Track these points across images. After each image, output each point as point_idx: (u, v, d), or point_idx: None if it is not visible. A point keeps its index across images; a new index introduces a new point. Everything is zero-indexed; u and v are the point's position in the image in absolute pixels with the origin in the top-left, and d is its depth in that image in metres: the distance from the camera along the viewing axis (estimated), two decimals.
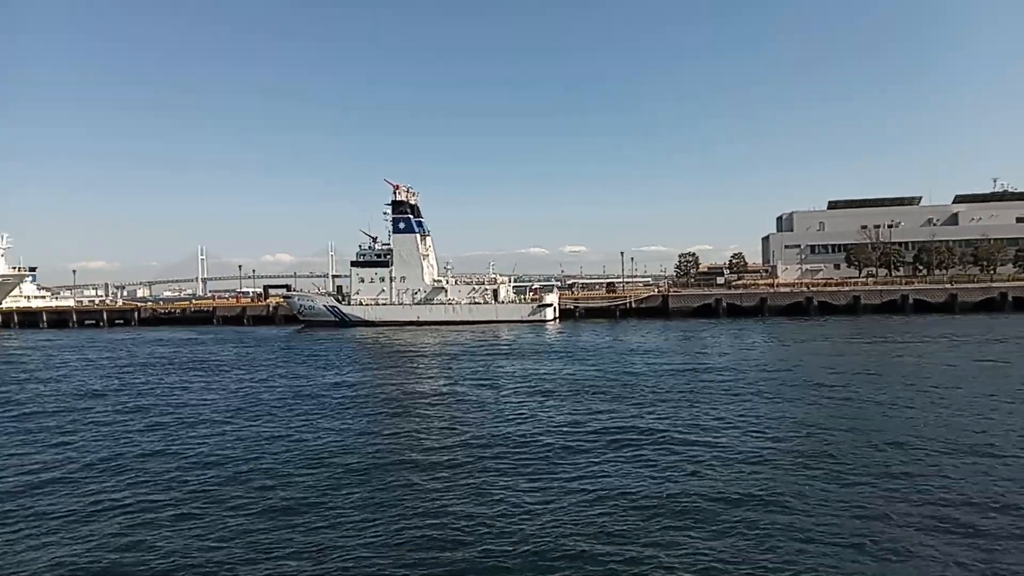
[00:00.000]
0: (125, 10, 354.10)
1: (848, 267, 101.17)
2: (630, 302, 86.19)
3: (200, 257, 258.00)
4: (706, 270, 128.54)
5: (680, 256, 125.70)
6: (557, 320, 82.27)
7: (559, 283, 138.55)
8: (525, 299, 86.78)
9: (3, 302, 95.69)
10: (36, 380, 39.19)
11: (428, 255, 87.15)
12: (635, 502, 15.22)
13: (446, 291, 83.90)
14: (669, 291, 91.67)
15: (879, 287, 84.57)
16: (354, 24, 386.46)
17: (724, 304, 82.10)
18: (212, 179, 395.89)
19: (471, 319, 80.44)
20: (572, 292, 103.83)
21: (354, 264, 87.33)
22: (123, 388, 35.20)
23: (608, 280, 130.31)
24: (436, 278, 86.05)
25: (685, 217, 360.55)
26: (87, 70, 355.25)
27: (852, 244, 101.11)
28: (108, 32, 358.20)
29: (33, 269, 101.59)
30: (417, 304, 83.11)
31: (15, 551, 13.47)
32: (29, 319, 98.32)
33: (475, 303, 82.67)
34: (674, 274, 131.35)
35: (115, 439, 23.03)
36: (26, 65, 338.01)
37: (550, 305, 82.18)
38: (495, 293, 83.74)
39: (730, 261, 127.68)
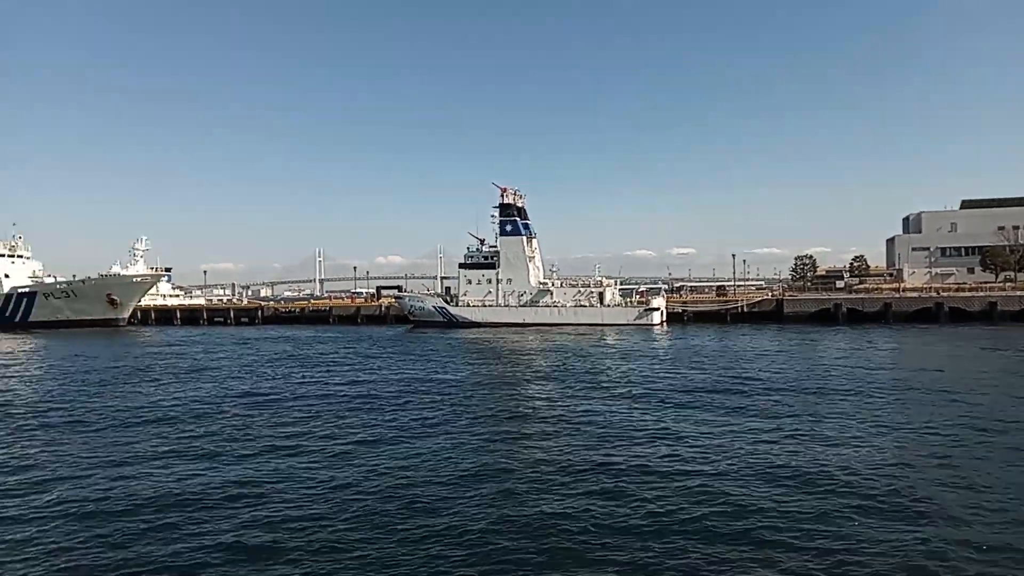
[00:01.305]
0: (250, 15, 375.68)
1: (983, 271, 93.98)
2: (742, 306, 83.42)
3: (318, 259, 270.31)
4: (824, 273, 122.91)
5: (796, 259, 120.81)
6: (664, 324, 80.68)
7: (666, 286, 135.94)
8: (631, 302, 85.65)
9: (142, 300, 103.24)
10: (192, 372, 42.01)
11: (534, 257, 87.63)
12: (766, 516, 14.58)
13: (551, 293, 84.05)
14: (784, 295, 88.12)
15: (1018, 292, 77.94)
16: (463, 26, 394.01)
17: (844, 309, 77.94)
18: (329, 183, 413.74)
19: (576, 321, 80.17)
20: (680, 295, 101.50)
21: (462, 266, 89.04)
22: (257, 379, 37.22)
23: (718, 283, 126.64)
24: (542, 280, 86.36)
25: (801, 219, 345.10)
26: (220, 77, 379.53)
27: (988, 246, 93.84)
28: (243, 39, 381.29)
29: (168, 269, 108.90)
30: (523, 306, 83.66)
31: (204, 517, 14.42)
32: (164, 316, 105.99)
33: (580, 306, 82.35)
34: (789, 277, 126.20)
35: (247, 429, 24.34)
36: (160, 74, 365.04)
37: (657, 309, 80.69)
38: (601, 296, 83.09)
39: (850, 264, 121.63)
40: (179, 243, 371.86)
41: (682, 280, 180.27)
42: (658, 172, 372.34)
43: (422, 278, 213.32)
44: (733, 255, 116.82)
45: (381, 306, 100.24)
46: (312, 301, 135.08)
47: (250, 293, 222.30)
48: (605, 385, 33.55)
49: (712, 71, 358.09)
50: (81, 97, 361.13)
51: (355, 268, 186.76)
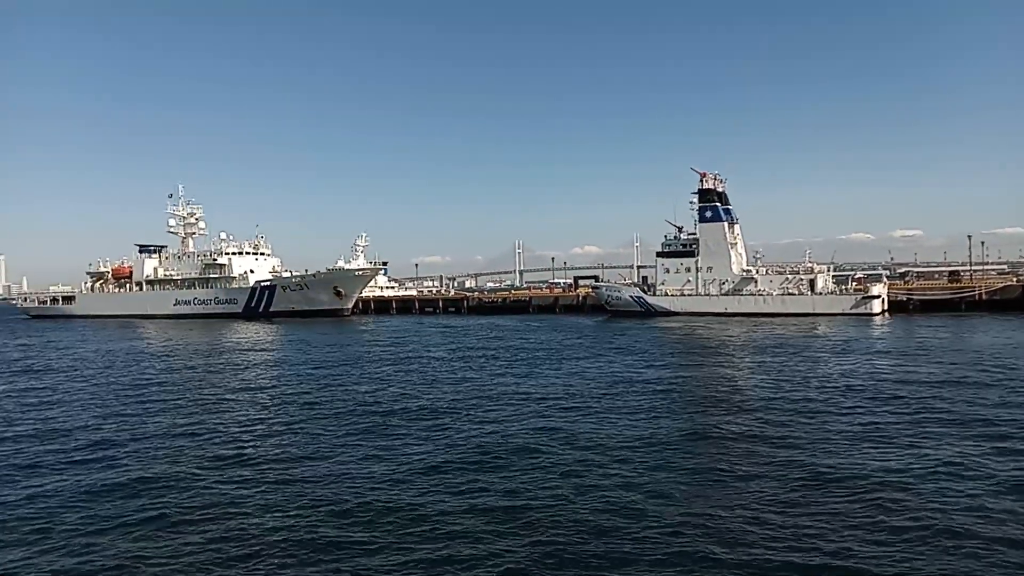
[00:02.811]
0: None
1: None
2: (979, 293, 74.13)
3: (517, 251, 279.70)
4: None
5: None
6: (886, 313, 73.80)
7: (887, 272, 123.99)
8: (847, 289, 79.11)
9: (363, 292, 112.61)
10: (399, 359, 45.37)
11: (736, 244, 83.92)
12: None
13: (756, 281, 80.00)
14: None
15: None
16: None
17: None
18: (528, 177, 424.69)
19: (783, 311, 75.66)
20: (904, 282, 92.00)
21: (660, 254, 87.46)
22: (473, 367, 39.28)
23: (951, 268, 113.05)
24: (745, 267, 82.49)
25: None
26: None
27: None
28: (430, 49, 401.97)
29: (385, 263, 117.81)
30: (724, 295, 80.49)
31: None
32: (382, 306, 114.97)
33: (788, 294, 77.55)
34: None
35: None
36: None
37: (877, 296, 73.94)
38: (811, 283, 77.66)
39: None
40: (394, 238, 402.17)
41: (906, 265, 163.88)
42: (881, 145, 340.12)
43: (618, 268, 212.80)
44: (969, 236, 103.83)
45: (578, 296, 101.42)
46: (513, 292, 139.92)
47: (456, 284, 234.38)
48: (827, 383, 31.15)
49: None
50: (311, 108, 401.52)
51: (553, 259, 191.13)
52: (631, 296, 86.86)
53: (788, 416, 23.57)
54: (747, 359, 40.28)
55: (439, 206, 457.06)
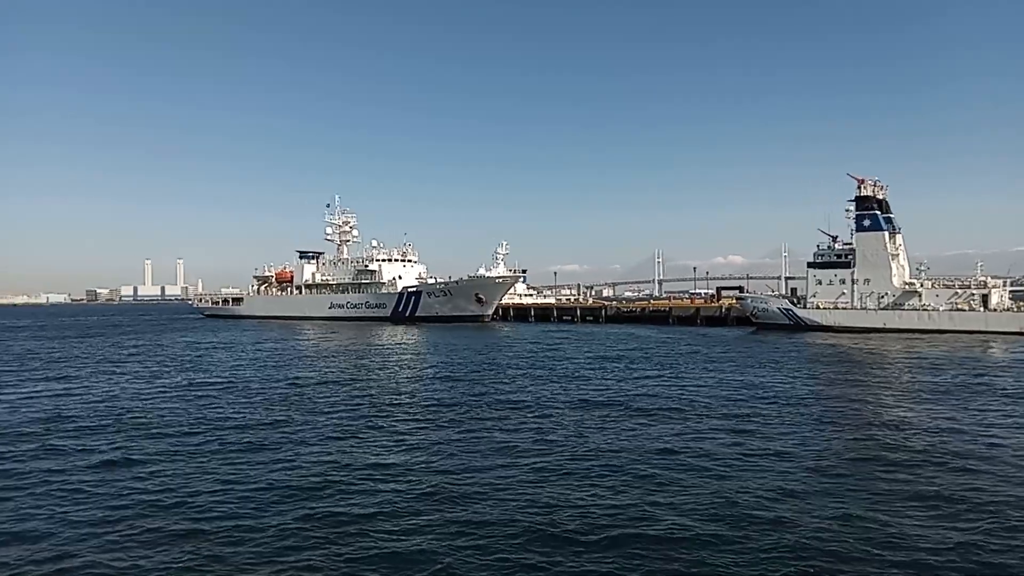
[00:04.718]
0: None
1: None
2: None
3: (656, 260, 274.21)
4: None
5: None
6: None
7: None
8: None
9: (503, 298, 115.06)
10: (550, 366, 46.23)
11: (898, 255, 78.27)
12: None
13: (919, 295, 74.24)
14: None
15: None
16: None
17: None
18: (668, 184, 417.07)
19: (951, 328, 69.70)
20: None
21: (811, 265, 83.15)
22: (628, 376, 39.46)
23: None
24: (907, 280, 76.78)
25: None
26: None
27: None
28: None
29: (524, 271, 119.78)
30: (883, 309, 75.27)
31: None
32: (521, 313, 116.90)
33: (957, 309, 71.36)
34: None
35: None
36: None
37: None
38: (984, 299, 71.10)
39: None
40: (533, 247, 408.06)
41: None
42: None
43: (764, 278, 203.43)
44: None
45: (721, 307, 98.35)
46: (652, 301, 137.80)
47: (593, 293, 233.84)
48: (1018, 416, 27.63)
49: None
50: (464, 128, 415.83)
51: (694, 268, 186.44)
52: (779, 308, 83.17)
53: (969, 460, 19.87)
54: (917, 380, 37.34)
55: (577, 214, 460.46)
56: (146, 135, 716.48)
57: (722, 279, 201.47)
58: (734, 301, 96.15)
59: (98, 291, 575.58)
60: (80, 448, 21.99)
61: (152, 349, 64.89)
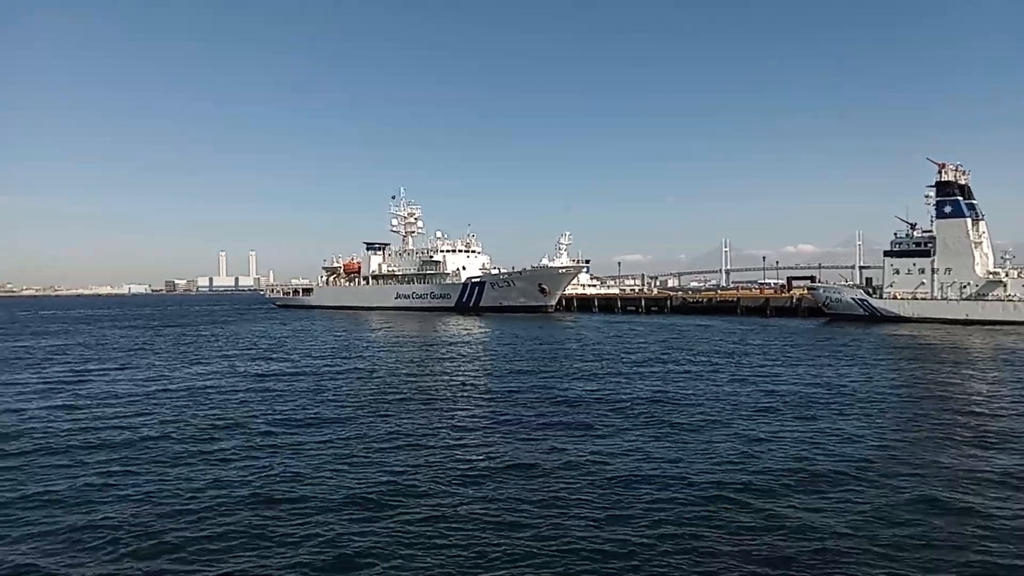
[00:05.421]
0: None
1: None
2: None
3: (724, 249, 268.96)
4: None
5: None
6: None
7: None
8: None
9: (566, 289, 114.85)
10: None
11: (981, 243, 74.82)
12: None
13: (1004, 285, 70.86)
14: None
15: None
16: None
17: None
18: (736, 171, 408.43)
19: None
20: None
21: (887, 254, 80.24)
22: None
23: None
24: (991, 269, 73.32)
25: None
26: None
27: None
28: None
29: (587, 261, 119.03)
30: (966, 299, 72.12)
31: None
32: (584, 304, 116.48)
33: None
34: None
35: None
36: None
37: None
38: None
39: None
40: (596, 237, 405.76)
41: None
42: None
43: (836, 268, 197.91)
44: None
45: (792, 298, 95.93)
46: (719, 292, 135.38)
47: (658, 283, 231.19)
48: None
49: None
50: (528, 123, 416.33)
51: (764, 258, 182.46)
52: (854, 299, 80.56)
53: None
54: (1008, 378, 35.40)
55: (640, 204, 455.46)
56: (232, 134, 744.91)
57: (792, 269, 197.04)
58: (805, 291, 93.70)
59: (176, 282, 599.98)
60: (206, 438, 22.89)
61: (249, 338, 67.48)
